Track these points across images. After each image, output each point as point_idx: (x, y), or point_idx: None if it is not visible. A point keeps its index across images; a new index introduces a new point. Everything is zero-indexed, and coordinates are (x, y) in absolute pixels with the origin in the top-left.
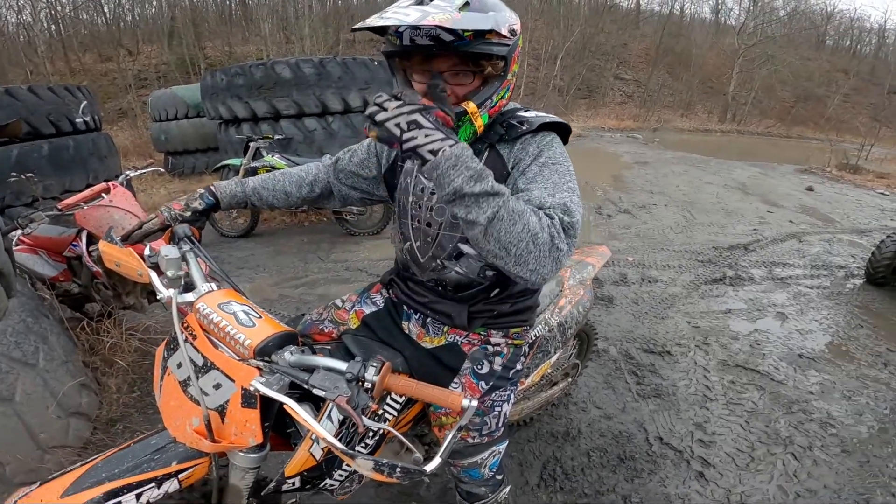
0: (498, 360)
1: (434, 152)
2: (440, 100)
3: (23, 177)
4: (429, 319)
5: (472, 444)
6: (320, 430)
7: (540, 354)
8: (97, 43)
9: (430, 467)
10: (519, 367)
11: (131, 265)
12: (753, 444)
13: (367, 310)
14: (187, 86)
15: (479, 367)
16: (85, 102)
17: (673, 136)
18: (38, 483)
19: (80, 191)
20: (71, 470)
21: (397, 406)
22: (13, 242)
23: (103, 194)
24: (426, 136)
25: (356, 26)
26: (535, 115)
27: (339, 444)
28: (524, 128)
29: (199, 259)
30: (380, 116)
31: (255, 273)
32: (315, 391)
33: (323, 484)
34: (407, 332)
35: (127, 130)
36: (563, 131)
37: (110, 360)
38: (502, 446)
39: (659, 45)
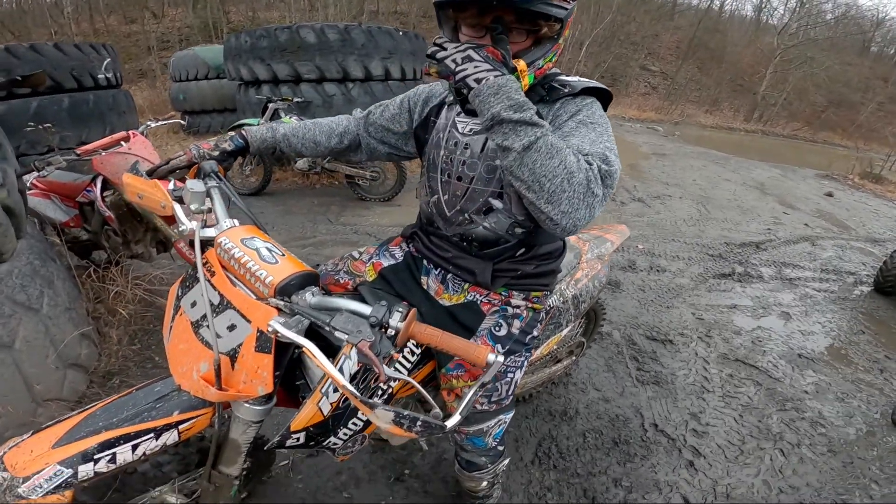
0: (517, 322)
1: (479, 80)
2: (498, 41)
3: (40, 126)
4: (449, 276)
5: (479, 411)
6: (338, 377)
7: (552, 326)
8: (123, 5)
9: (450, 423)
10: (535, 332)
11: (155, 197)
12: (744, 437)
13: (386, 262)
14: (209, 47)
15: (497, 328)
16: (108, 60)
17: (694, 131)
18: (31, 432)
19: None
20: (67, 418)
21: (410, 362)
22: (27, 186)
23: (122, 142)
24: (475, 66)
25: None
26: (577, 80)
27: (357, 393)
28: (566, 90)
29: (223, 196)
30: (440, 55)
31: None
32: (337, 334)
33: (326, 442)
34: (425, 287)
35: (146, 91)
36: (604, 99)
37: (113, 310)
38: (509, 416)
39: (692, 38)
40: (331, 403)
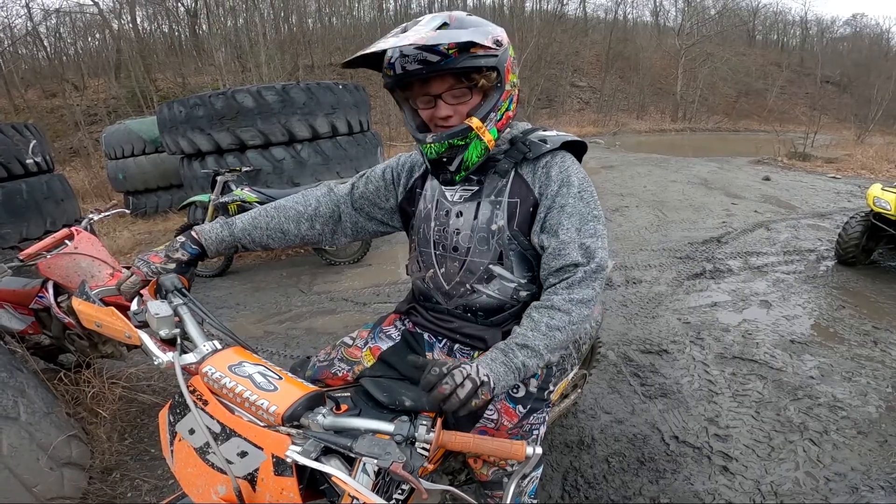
0: (533, 381)
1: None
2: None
3: None
4: (456, 346)
5: (511, 472)
6: (376, 500)
7: (558, 373)
8: (39, 78)
9: None
10: (552, 387)
11: (115, 326)
12: (769, 433)
13: (383, 345)
14: (141, 119)
15: (515, 391)
16: (34, 141)
17: (632, 139)
18: None
19: (39, 238)
20: None
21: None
22: None
23: (66, 241)
24: (446, 382)
25: (346, 61)
26: (555, 135)
27: None
28: (547, 146)
29: (193, 313)
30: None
31: (236, 312)
32: (365, 459)
33: None
34: None
35: (81, 171)
36: (578, 150)
37: (94, 411)
38: (539, 471)
39: (608, 50)
40: None
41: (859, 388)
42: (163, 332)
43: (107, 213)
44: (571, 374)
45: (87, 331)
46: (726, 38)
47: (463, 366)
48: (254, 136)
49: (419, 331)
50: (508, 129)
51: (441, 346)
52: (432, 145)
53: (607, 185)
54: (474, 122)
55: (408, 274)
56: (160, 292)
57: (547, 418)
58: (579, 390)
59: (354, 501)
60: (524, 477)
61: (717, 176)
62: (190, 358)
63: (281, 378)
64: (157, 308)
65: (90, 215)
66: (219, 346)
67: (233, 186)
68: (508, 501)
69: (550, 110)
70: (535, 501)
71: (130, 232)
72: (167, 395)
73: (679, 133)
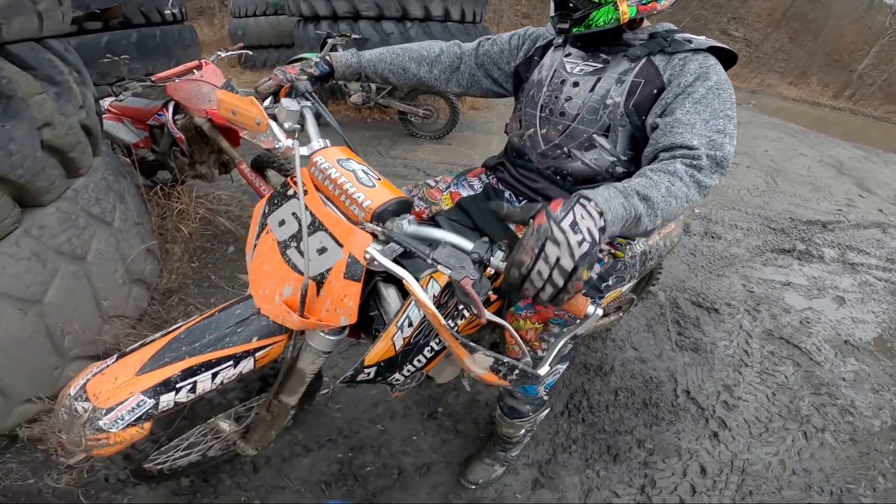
0: (597, 267)
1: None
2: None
3: (115, 58)
4: None
5: (539, 357)
6: (438, 314)
7: (616, 280)
8: None
9: (541, 371)
10: (610, 282)
11: (250, 113)
12: (773, 416)
13: (464, 192)
14: None
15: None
16: None
17: (773, 102)
18: (116, 357)
19: None
20: (151, 341)
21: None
22: (103, 110)
23: (195, 70)
24: (575, 232)
25: None
26: (704, 39)
27: (460, 337)
28: (690, 45)
29: (314, 116)
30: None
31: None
32: (440, 268)
33: (391, 377)
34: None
35: (205, 27)
36: (727, 62)
37: (177, 227)
38: (564, 366)
39: (789, 7)
40: (403, 338)
41: (880, 401)
42: (287, 124)
43: (233, 52)
44: (626, 287)
45: (191, 148)
46: None
47: (557, 232)
48: (369, 8)
49: (501, 188)
50: (650, 24)
51: (520, 205)
52: None
53: None
54: None
55: (506, 132)
56: (292, 94)
57: None
58: (621, 314)
59: (402, 326)
60: (575, 338)
61: (856, 164)
62: (304, 151)
63: (379, 179)
64: (289, 103)
65: (219, 52)
66: (329, 144)
67: (339, 49)
68: (551, 356)
69: None
70: (546, 397)
71: (238, 80)
72: (242, 224)
73: (835, 111)
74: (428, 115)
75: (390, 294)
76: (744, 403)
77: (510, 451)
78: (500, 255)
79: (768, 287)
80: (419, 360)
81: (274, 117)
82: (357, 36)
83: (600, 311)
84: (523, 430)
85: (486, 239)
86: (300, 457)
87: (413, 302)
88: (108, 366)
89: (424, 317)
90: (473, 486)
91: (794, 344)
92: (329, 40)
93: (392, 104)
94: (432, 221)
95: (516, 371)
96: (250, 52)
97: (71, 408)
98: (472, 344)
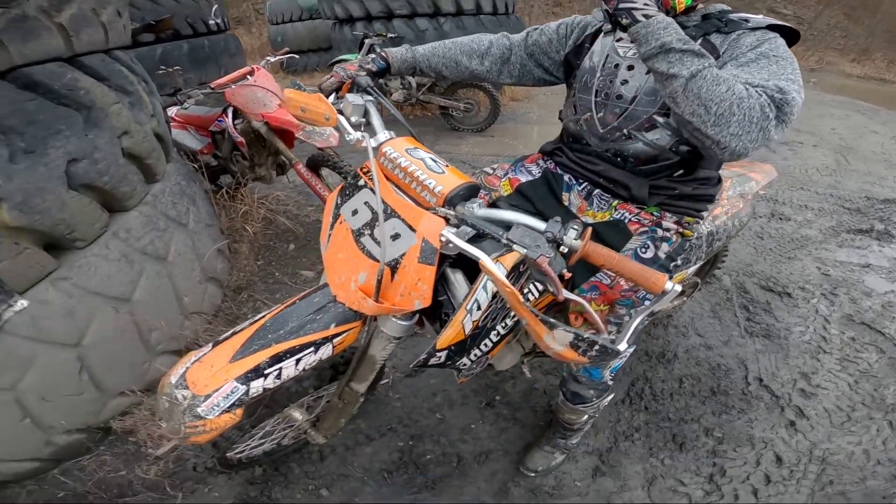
0: (664, 246)
1: (648, 16)
2: None
3: (171, 70)
4: (596, 191)
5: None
6: (517, 293)
7: (682, 260)
8: None
9: (621, 347)
10: (679, 262)
11: (318, 109)
12: (856, 405)
13: (522, 178)
14: None
15: (644, 250)
16: (216, 6)
17: (835, 80)
18: (211, 345)
19: None
20: (241, 330)
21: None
22: (168, 118)
23: (248, 76)
24: (645, 4)
25: None
26: (762, 17)
27: (539, 314)
28: (748, 24)
29: (377, 108)
30: None
31: (362, 155)
32: (515, 247)
33: (459, 362)
34: (566, 203)
35: (244, 35)
36: (789, 39)
37: (242, 227)
38: (630, 350)
39: None
40: (472, 322)
41: None
42: (354, 118)
43: (280, 57)
44: (693, 269)
45: (251, 151)
46: None
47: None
48: (402, 6)
49: (560, 171)
50: (704, 6)
51: (580, 188)
52: None
53: None
54: None
55: (560, 119)
56: (353, 90)
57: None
58: (685, 298)
59: (471, 310)
60: (653, 315)
61: None
62: (373, 142)
63: (447, 166)
64: (354, 98)
65: (268, 57)
66: (395, 135)
67: (377, 49)
68: (629, 333)
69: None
70: (610, 381)
71: (281, 85)
72: (300, 222)
73: None
74: (469, 109)
75: (458, 279)
76: (823, 392)
77: (570, 439)
78: (572, 233)
79: (846, 270)
80: (486, 344)
81: (340, 112)
82: (393, 34)
83: (679, 287)
84: (586, 416)
85: (557, 218)
86: (363, 445)
87: (481, 286)
88: (205, 354)
89: (492, 300)
90: (532, 474)
91: (876, 329)
92: (366, 40)
93: (433, 99)
94: (494, 207)
95: (596, 347)
96: (296, 56)
97: (172, 396)
98: (551, 320)
